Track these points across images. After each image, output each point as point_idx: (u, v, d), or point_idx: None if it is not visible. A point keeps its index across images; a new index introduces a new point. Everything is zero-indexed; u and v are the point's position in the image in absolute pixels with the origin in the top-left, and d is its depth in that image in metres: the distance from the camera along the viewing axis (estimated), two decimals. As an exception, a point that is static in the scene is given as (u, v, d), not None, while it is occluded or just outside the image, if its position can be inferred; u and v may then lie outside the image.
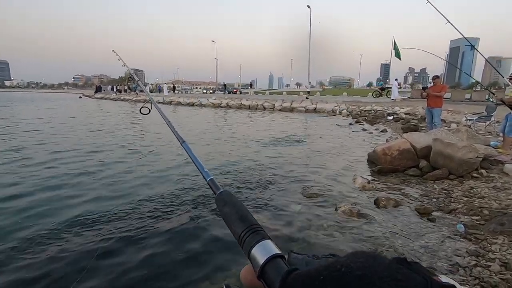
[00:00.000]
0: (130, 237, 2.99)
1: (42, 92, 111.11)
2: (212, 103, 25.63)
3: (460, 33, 4.53)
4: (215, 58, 57.14)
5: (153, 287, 2.35)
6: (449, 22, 4.42)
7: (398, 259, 0.24)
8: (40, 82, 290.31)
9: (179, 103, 27.82)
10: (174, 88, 38.06)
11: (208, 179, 0.52)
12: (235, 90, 45.89)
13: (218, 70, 59.06)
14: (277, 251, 0.31)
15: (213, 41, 57.20)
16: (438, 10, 4.59)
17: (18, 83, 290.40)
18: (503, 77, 5.15)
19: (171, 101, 28.85)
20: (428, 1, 4.59)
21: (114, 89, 46.63)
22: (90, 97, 45.40)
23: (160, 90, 40.02)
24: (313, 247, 2.86)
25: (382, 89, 26.71)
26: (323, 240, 3.01)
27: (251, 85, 47.18)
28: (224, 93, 41.51)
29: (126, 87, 51.70)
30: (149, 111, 1.22)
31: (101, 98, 40.66)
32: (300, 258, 0.32)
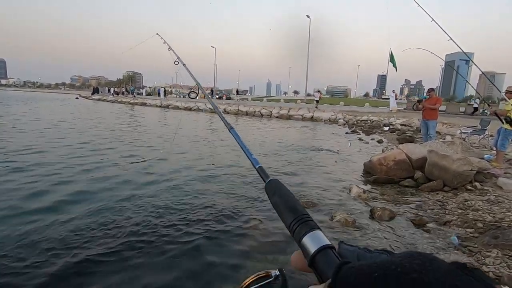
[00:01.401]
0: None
1: (39, 91, 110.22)
2: (209, 108, 25.65)
3: (460, 48, 4.65)
4: (214, 64, 57.53)
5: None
6: (451, 39, 4.56)
7: (458, 264, 0.22)
8: (37, 82, 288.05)
9: (177, 107, 27.82)
10: (165, 92, 40.16)
11: (257, 167, 0.52)
12: (224, 96, 46.13)
13: (217, 76, 59.50)
14: (327, 241, 0.31)
15: (212, 46, 57.72)
16: (442, 29, 4.71)
17: (14, 82, 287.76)
18: (500, 92, 5.26)
19: (168, 105, 28.84)
20: (433, 19, 4.72)
21: (112, 91, 46.47)
22: (87, 98, 45.20)
23: (159, 93, 40.73)
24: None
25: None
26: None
27: (237, 92, 47.00)
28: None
29: (123, 89, 51.68)
30: (197, 95, 1.33)
31: (98, 99, 40.49)
32: (351, 250, 0.31)
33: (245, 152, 0.59)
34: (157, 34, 1.75)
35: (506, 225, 3.20)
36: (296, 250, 0.33)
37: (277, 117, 21.33)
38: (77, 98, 44.49)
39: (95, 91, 52.11)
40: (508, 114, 5.13)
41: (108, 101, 36.70)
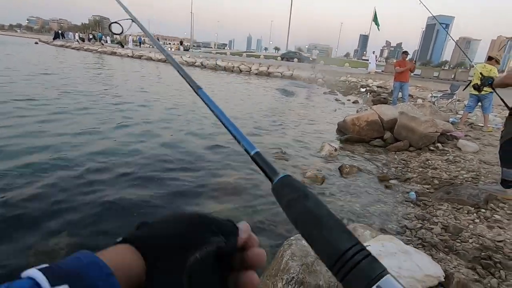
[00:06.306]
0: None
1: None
2: (185, 61, 24.33)
3: (431, 13, 4.56)
4: (191, 12, 53.22)
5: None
6: (422, 3, 4.48)
7: None
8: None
9: (150, 58, 26.08)
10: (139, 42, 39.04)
11: (252, 153, 0.33)
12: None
13: (195, 27, 55.43)
14: None
15: (188, -9, 52.65)
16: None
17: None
18: (472, 62, 5.37)
19: (141, 56, 26.95)
20: None
21: (76, 37, 42.09)
22: (47, 43, 40.87)
23: (140, 42, 38.59)
24: (278, 212, 2.98)
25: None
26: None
27: (181, 43, 42.39)
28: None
29: (90, 36, 47.08)
30: (122, 30, 1.01)
31: (61, 46, 36.77)
32: None
33: (223, 123, 0.37)
34: None
35: (459, 182, 3.50)
36: None
37: (256, 73, 20.78)
38: (36, 43, 40.04)
39: (57, 36, 46.94)
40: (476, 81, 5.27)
41: (72, 48, 33.48)
